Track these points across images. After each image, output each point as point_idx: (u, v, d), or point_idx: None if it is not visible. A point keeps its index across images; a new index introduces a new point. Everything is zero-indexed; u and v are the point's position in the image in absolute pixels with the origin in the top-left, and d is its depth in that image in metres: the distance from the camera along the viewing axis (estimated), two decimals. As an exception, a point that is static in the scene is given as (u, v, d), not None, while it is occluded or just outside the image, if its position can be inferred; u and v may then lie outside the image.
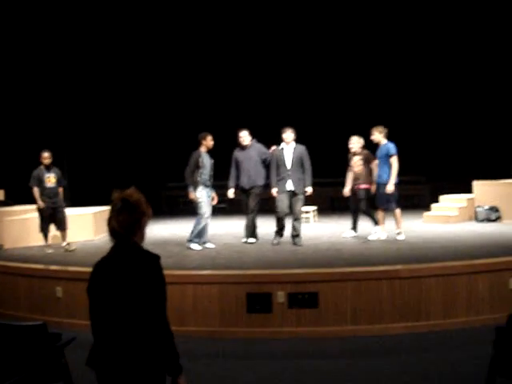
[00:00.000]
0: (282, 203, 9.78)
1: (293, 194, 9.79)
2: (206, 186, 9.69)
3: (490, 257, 7.88)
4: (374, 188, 10.15)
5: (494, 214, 12.27)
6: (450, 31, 15.99)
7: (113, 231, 3.16)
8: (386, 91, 16.74)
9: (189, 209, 16.62)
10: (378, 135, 9.97)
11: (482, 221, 12.26)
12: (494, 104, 15.72)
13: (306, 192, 9.82)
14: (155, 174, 16.89)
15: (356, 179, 10.30)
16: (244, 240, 10.23)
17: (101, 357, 3.09)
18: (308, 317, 7.06)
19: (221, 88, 17.32)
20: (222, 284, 7.22)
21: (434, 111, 16.58)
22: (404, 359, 6.18)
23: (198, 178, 9.59)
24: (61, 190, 10.50)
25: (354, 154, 10.31)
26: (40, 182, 10.14)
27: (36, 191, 10.11)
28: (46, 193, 10.17)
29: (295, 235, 9.88)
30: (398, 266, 7.51)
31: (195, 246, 9.68)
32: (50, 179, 10.26)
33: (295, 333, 7.02)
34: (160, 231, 12.22)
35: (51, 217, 10.25)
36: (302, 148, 9.87)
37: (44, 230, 10.26)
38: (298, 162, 9.77)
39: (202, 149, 9.71)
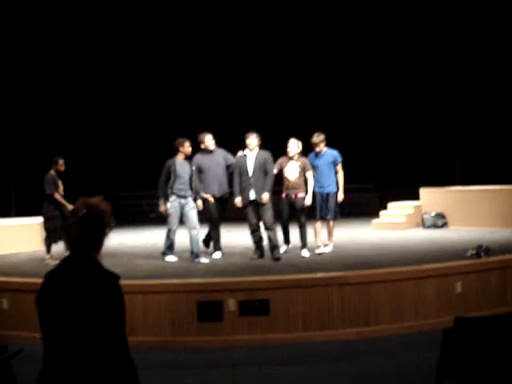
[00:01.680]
0: (249, 214, 9.17)
1: (258, 204, 9.09)
2: (180, 196, 9.00)
3: (437, 262, 8.03)
4: (307, 199, 9.27)
5: (440, 221, 12.52)
6: (395, 46, 16.27)
7: (71, 240, 2.93)
8: (330, 96, 16.90)
9: (137, 218, 16.61)
10: (322, 145, 9.41)
11: (429, 227, 12.49)
12: (439, 112, 16.05)
13: (261, 199, 9.01)
14: (106, 183, 16.69)
15: (292, 188, 9.35)
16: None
17: (52, 376, 2.86)
18: (259, 324, 7.06)
19: (181, 93, 17.27)
20: (172, 293, 7.16)
21: (380, 119, 16.83)
22: (355, 364, 6.24)
23: (169, 190, 8.98)
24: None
25: (291, 158, 9.36)
26: (53, 189, 9.51)
27: (58, 195, 9.52)
28: (57, 203, 9.51)
29: (273, 247, 9.04)
30: (347, 273, 7.58)
31: (170, 258, 9.24)
32: (61, 186, 9.72)
33: (247, 340, 7.01)
34: (109, 241, 12.03)
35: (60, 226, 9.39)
36: (265, 154, 9.18)
37: (52, 240, 9.51)
38: (261, 170, 9.06)
39: (179, 156, 9.11)
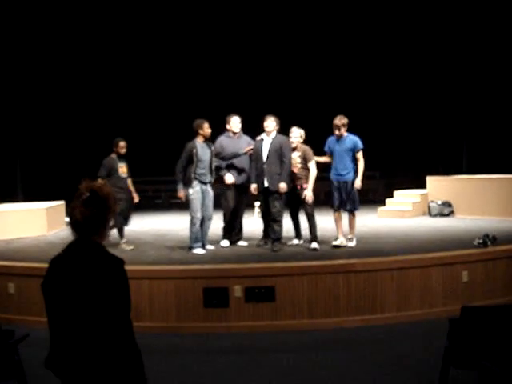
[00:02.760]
0: (261, 202, 9.05)
1: (268, 192, 8.75)
2: (203, 182, 8.62)
3: (444, 250, 8.01)
4: (307, 191, 8.73)
5: (446, 209, 12.48)
6: (403, 33, 16.18)
7: (75, 223, 2.91)
8: (340, 84, 16.86)
9: (142, 204, 16.62)
10: (344, 129, 8.71)
11: (436, 215, 12.46)
12: (447, 100, 15.97)
13: (279, 189, 8.62)
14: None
15: (296, 178, 8.87)
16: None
17: (59, 360, 2.89)
18: (265, 311, 7.07)
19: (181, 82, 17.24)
20: (178, 279, 7.18)
21: (387, 107, 16.77)
22: (360, 352, 6.24)
23: (192, 174, 8.53)
24: (130, 181, 9.59)
25: (293, 149, 8.86)
26: (111, 172, 9.16)
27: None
28: (119, 184, 9.13)
29: (275, 239, 8.74)
30: (354, 260, 7.57)
31: (198, 251, 8.67)
32: (123, 169, 9.32)
33: (252, 327, 7.03)
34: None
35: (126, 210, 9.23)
36: (281, 139, 8.73)
37: (119, 224, 9.21)
38: (276, 155, 8.63)
39: (199, 139, 8.63)
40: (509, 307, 4.88)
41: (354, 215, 8.97)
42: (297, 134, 8.90)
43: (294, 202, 9.13)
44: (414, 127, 16.58)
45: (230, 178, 8.97)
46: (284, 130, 9.02)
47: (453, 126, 16.05)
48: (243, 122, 9.22)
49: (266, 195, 8.84)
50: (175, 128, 15.99)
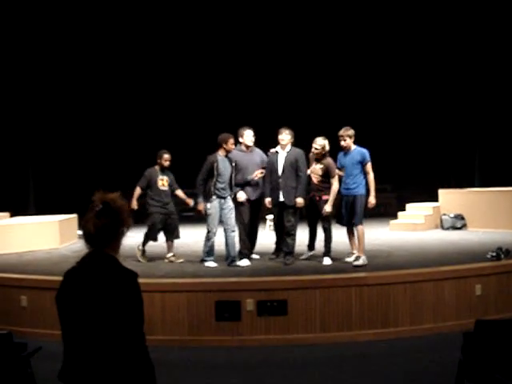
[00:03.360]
0: (274, 216, 9.01)
1: (283, 206, 8.63)
2: (221, 196, 8.53)
3: (456, 264, 7.98)
4: (327, 206, 8.52)
5: (459, 222, 12.42)
6: (415, 44, 16.18)
7: (88, 236, 2.92)
8: (350, 97, 16.85)
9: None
10: (350, 140, 8.54)
11: (448, 228, 12.40)
12: (459, 112, 15.94)
13: (296, 203, 8.51)
14: (121, 183, 16.76)
15: (316, 190, 8.71)
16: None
17: (73, 372, 2.88)
18: (277, 324, 7.05)
19: (188, 95, 17.30)
20: (190, 292, 7.18)
21: (399, 120, 16.74)
22: (373, 366, 6.21)
23: (212, 188, 8.46)
24: (179, 192, 9.46)
25: (316, 160, 8.69)
26: (150, 184, 9.17)
27: (137, 191, 9.23)
28: (157, 197, 9.17)
29: (287, 252, 8.65)
30: (366, 274, 7.55)
31: (210, 264, 8.63)
32: (164, 182, 9.24)
33: (264, 341, 7.00)
34: (127, 239, 12.06)
35: (162, 223, 9.22)
36: (297, 152, 8.59)
37: (150, 238, 9.27)
38: (292, 169, 8.51)
39: (220, 153, 8.55)
40: (523, 321, 4.85)
41: (356, 230, 8.60)
42: (319, 144, 8.59)
43: (313, 213, 8.97)
44: (425, 140, 16.54)
45: (242, 195, 8.86)
46: (300, 143, 8.98)
47: (465, 138, 16.00)
48: (256, 135, 9.14)
49: (280, 209, 8.75)
50: (187, 142, 16.08)
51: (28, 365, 4.76)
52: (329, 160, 8.70)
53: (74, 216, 12.22)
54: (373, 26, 16.39)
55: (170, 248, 9.36)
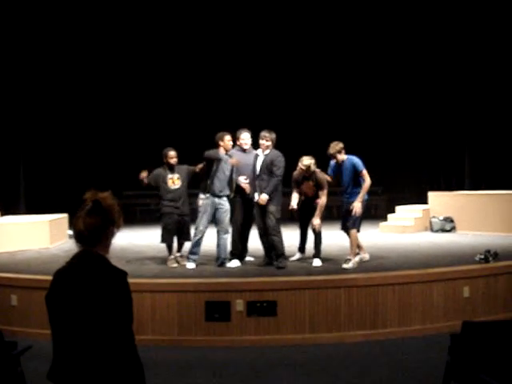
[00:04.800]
0: (256, 217, 8.76)
1: (261, 207, 8.56)
2: (217, 195, 8.49)
3: (445, 266, 8.03)
4: (315, 219, 8.54)
5: (448, 225, 12.50)
6: (399, 43, 16.22)
7: (78, 234, 2.93)
8: (340, 100, 16.90)
9: (145, 217, 16.64)
10: (340, 156, 8.48)
11: (437, 231, 12.47)
12: (448, 116, 16.02)
13: (263, 200, 8.39)
14: (111, 182, 16.74)
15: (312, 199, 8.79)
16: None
17: (62, 372, 2.89)
18: (267, 325, 7.09)
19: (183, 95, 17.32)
20: (180, 292, 7.20)
21: (389, 123, 16.81)
22: (361, 366, 6.25)
23: (209, 185, 8.46)
24: (200, 166, 8.78)
25: (306, 178, 8.66)
26: (159, 184, 8.85)
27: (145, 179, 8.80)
28: (169, 196, 8.82)
29: (278, 255, 8.49)
30: (355, 275, 7.60)
31: (190, 265, 8.58)
32: (174, 180, 8.86)
33: (254, 341, 7.04)
34: (117, 239, 12.07)
35: (175, 224, 8.88)
36: (274, 154, 8.54)
37: (167, 240, 8.92)
38: (267, 171, 8.49)
39: (221, 151, 8.54)
40: (510, 323, 4.90)
41: (350, 234, 8.60)
42: (304, 164, 8.48)
43: (304, 216, 9.03)
44: (415, 143, 16.60)
45: (242, 179, 8.70)
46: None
47: (454, 141, 16.06)
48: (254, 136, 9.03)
49: (261, 210, 8.62)
50: (182, 140, 16.09)
51: (18, 363, 4.78)
52: (318, 175, 8.68)
53: (65, 216, 12.21)
54: (360, 26, 16.44)
55: (179, 247, 9.14)
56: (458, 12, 15.10)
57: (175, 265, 8.86)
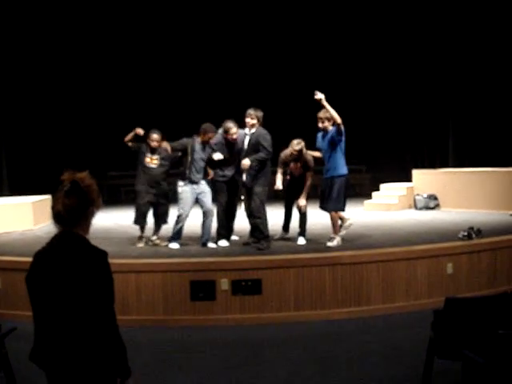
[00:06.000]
0: (244, 198, 8.76)
1: (247, 188, 8.57)
2: (193, 181, 8.46)
3: (429, 243, 8.10)
4: (300, 200, 8.68)
5: (432, 202, 12.57)
6: (383, 22, 16.19)
7: (57, 215, 2.91)
8: (324, 80, 16.83)
9: (130, 198, 16.56)
10: (328, 123, 8.28)
11: (421, 209, 12.54)
12: (432, 93, 16.03)
13: (244, 165, 8.31)
14: (96, 163, 16.63)
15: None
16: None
17: (44, 353, 2.91)
18: (252, 304, 7.11)
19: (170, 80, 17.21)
20: (165, 272, 7.20)
21: (373, 100, 16.80)
22: (346, 343, 6.30)
23: (187, 172, 8.44)
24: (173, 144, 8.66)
25: (295, 159, 8.66)
26: (138, 162, 8.73)
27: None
28: (144, 176, 8.69)
29: (262, 237, 8.40)
30: (340, 253, 7.64)
31: (174, 245, 8.63)
32: (154, 160, 8.71)
33: (239, 320, 7.07)
34: (101, 220, 12.04)
35: (149, 205, 8.77)
36: (260, 133, 8.39)
37: (137, 222, 8.85)
38: (254, 150, 8.37)
39: (198, 140, 8.51)
40: (491, 298, 4.95)
41: (334, 214, 8.49)
42: (296, 149, 8.52)
43: (289, 195, 9.05)
44: (399, 120, 16.61)
45: (218, 155, 8.59)
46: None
47: (438, 118, 16.08)
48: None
49: (248, 192, 8.63)
50: (167, 123, 16.02)
51: (2, 345, 4.78)
52: (306, 156, 8.67)
53: (48, 197, 12.13)
54: (339, 8, 16.40)
55: (155, 231, 9.03)
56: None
57: (141, 245, 8.85)
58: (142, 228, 8.96)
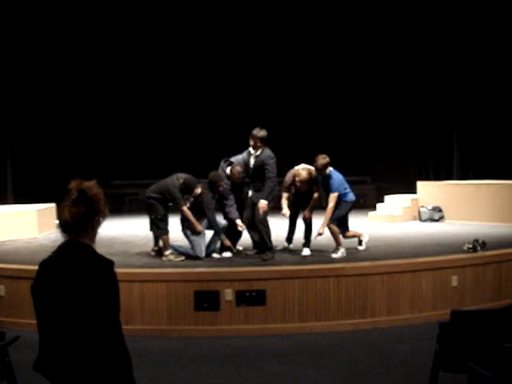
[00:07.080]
0: (247, 210, 8.80)
1: (253, 203, 8.63)
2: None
3: (433, 255, 8.08)
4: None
5: (437, 214, 12.54)
6: (383, 27, 16.17)
7: (64, 224, 2.89)
8: (328, 92, 16.85)
9: (134, 207, 16.58)
10: (326, 170, 8.40)
11: (426, 220, 12.51)
12: (438, 105, 16.02)
13: (262, 207, 8.40)
14: (100, 172, 16.65)
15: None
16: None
17: (48, 362, 2.88)
18: (256, 314, 7.09)
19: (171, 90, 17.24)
20: (169, 282, 7.19)
21: (378, 111, 16.79)
22: (351, 355, 6.28)
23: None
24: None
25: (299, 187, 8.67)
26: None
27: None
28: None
29: (266, 248, 8.47)
30: (344, 264, 7.62)
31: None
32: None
33: (243, 330, 7.05)
34: (106, 229, 12.00)
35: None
36: (266, 155, 8.50)
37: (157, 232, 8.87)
38: (259, 171, 8.53)
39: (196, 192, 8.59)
40: (497, 311, 4.93)
41: (329, 228, 8.57)
42: (302, 178, 8.50)
43: (294, 207, 9.04)
44: (404, 132, 16.58)
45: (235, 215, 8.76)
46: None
47: (443, 131, 16.06)
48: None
49: (252, 204, 8.68)
50: (171, 132, 16.04)
51: (6, 354, 4.77)
52: (312, 173, 8.61)
53: (53, 205, 12.14)
54: (344, 11, 16.37)
55: (156, 241, 9.03)
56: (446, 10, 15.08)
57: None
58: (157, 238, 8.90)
